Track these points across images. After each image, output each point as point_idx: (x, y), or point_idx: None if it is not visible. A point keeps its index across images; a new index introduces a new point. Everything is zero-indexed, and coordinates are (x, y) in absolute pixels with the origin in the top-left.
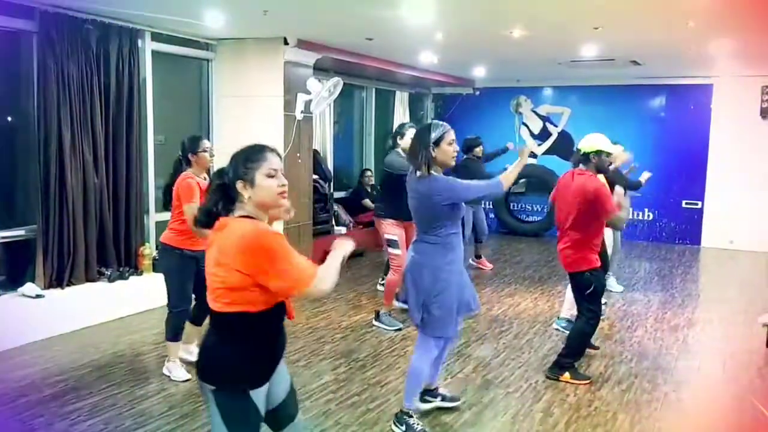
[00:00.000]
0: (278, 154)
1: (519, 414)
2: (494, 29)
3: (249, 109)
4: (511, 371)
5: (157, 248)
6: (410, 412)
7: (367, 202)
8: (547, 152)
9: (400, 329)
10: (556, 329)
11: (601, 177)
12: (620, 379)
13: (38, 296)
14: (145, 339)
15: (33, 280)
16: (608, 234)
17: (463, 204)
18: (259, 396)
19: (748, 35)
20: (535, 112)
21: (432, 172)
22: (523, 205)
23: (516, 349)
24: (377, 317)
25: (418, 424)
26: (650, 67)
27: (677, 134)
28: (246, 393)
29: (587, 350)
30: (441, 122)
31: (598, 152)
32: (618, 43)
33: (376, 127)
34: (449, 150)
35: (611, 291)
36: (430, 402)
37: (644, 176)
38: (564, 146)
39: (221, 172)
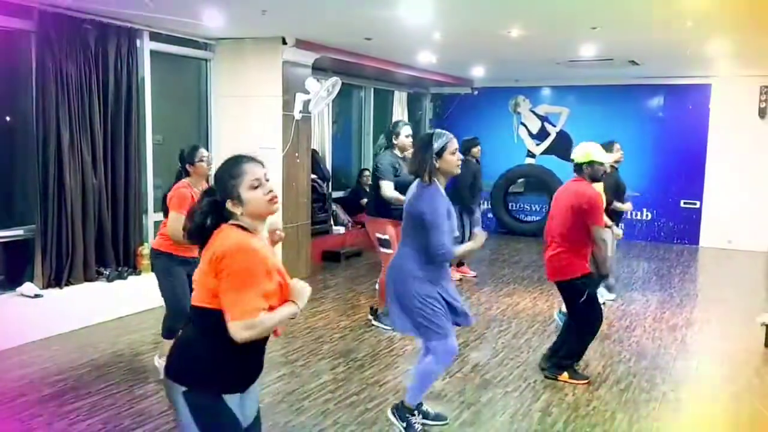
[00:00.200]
0: (258, 161)
1: (518, 413)
2: (492, 29)
3: (247, 109)
4: (510, 371)
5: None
6: (413, 409)
7: (366, 201)
8: (546, 152)
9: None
10: (558, 324)
11: (598, 186)
12: (619, 378)
13: (37, 296)
14: (143, 339)
15: (31, 280)
16: (607, 235)
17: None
18: (233, 403)
19: (747, 35)
20: (533, 112)
21: (435, 180)
22: (522, 205)
23: (514, 349)
24: (376, 317)
25: (419, 424)
26: (648, 67)
27: (676, 134)
28: (220, 396)
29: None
30: (443, 131)
31: (591, 162)
32: (616, 43)
33: (374, 126)
34: (452, 159)
35: (601, 298)
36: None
37: (626, 207)
38: (562, 146)
39: (212, 190)
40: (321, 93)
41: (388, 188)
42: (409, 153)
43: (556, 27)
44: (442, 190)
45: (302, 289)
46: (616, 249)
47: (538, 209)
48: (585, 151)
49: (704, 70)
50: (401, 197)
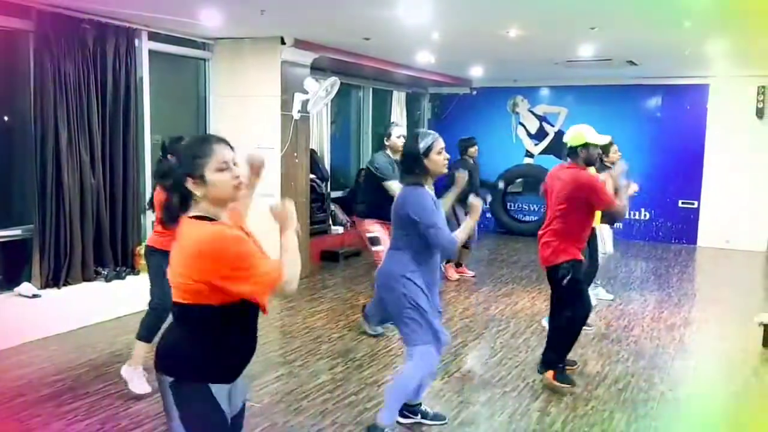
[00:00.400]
0: (228, 144)
1: (516, 413)
2: (491, 29)
3: (246, 109)
4: (508, 370)
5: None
6: (386, 430)
7: (357, 203)
8: (544, 152)
9: (380, 335)
10: (545, 327)
11: (591, 170)
12: (617, 378)
13: (35, 296)
14: None
15: (29, 280)
16: (605, 232)
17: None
18: (221, 394)
19: (744, 36)
20: (531, 112)
21: (419, 181)
22: (520, 205)
23: (513, 349)
24: (365, 317)
25: None
26: (647, 67)
27: (673, 134)
28: (207, 387)
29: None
30: (429, 131)
31: (585, 145)
32: (614, 43)
33: (373, 126)
34: (439, 159)
35: (600, 299)
36: (410, 418)
37: (631, 189)
38: (560, 146)
39: (165, 172)
40: (319, 93)
41: (396, 186)
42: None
43: (555, 27)
44: (429, 190)
45: (287, 212)
46: (614, 249)
47: (536, 209)
48: (578, 132)
49: (702, 70)
50: None
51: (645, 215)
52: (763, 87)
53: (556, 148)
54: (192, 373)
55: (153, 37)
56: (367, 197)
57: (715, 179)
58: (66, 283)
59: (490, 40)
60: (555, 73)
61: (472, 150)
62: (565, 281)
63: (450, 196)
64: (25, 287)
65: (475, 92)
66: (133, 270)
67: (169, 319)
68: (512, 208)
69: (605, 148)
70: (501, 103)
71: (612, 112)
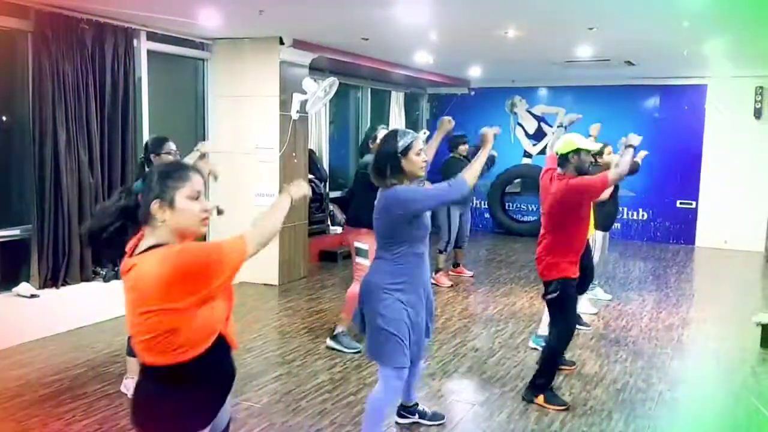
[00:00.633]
0: (203, 176)
1: (514, 413)
2: (489, 29)
3: (245, 109)
4: (507, 370)
5: None
6: None
7: (348, 210)
8: (542, 152)
9: (359, 352)
10: (533, 348)
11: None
12: (615, 378)
13: (33, 296)
14: None
15: (28, 280)
16: (598, 238)
17: (426, 223)
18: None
19: (742, 36)
20: (530, 113)
21: (395, 182)
22: (519, 205)
23: (511, 348)
24: (334, 338)
25: None
26: (645, 67)
27: (672, 134)
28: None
29: (563, 367)
30: (408, 130)
31: (577, 151)
32: (613, 44)
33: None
34: (417, 160)
35: (599, 299)
36: (408, 418)
37: (640, 155)
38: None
39: (129, 189)
40: (318, 93)
41: None
42: None
43: (553, 27)
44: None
45: (298, 184)
46: (610, 249)
47: (534, 209)
48: (568, 139)
49: (700, 70)
50: None
51: (643, 215)
52: (761, 87)
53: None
54: (174, 428)
55: (151, 37)
56: (361, 205)
57: (714, 179)
58: (64, 283)
59: (488, 40)
60: (553, 74)
61: (462, 148)
62: (549, 297)
63: (478, 161)
64: (24, 287)
65: (473, 92)
66: None
67: None
68: (510, 208)
69: (598, 151)
70: (499, 103)
71: (610, 113)
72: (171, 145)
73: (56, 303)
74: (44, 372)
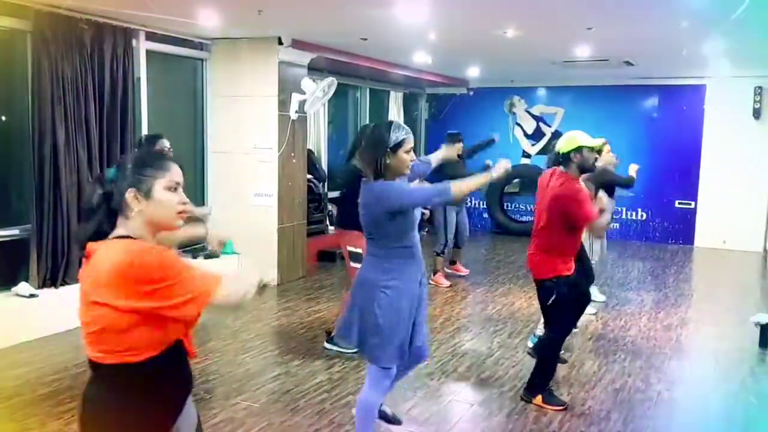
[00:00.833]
0: (182, 167)
1: (513, 413)
2: (488, 29)
3: (243, 109)
4: (505, 370)
5: None
6: None
7: (337, 212)
8: (541, 152)
9: (357, 351)
10: (529, 353)
11: (585, 178)
12: (614, 378)
13: (32, 296)
14: None
15: (27, 280)
16: (595, 241)
17: (411, 218)
18: None
19: (741, 36)
20: (528, 113)
21: (378, 176)
22: (517, 205)
23: (510, 348)
24: (330, 340)
25: None
26: (643, 67)
27: (670, 135)
28: None
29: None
30: (403, 125)
31: (579, 148)
32: (611, 44)
33: None
34: (406, 158)
35: (594, 301)
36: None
37: (633, 169)
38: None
39: (102, 179)
40: (317, 93)
41: None
42: None
43: (552, 28)
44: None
45: (249, 270)
46: (608, 250)
47: (533, 209)
48: (569, 136)
49: (699, 70)
50: None
51: (642, 215)
52: (760, 87)
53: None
54: None
55: (150, 37)
56: (353, 207)
57: (712, 180)
58: (63, 283)
59: (487, 40)
60: (552, 74)
61: (458, 146)
62: (549, 301)
63: (476, 182)
64: (23, 287)
65: (472, 92)
66: None
67: None
68: (509, 208)
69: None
70: (498, 103)
71: (609, 113)
72: (165, 142)
73: (55, 303)
74: (43, 371)
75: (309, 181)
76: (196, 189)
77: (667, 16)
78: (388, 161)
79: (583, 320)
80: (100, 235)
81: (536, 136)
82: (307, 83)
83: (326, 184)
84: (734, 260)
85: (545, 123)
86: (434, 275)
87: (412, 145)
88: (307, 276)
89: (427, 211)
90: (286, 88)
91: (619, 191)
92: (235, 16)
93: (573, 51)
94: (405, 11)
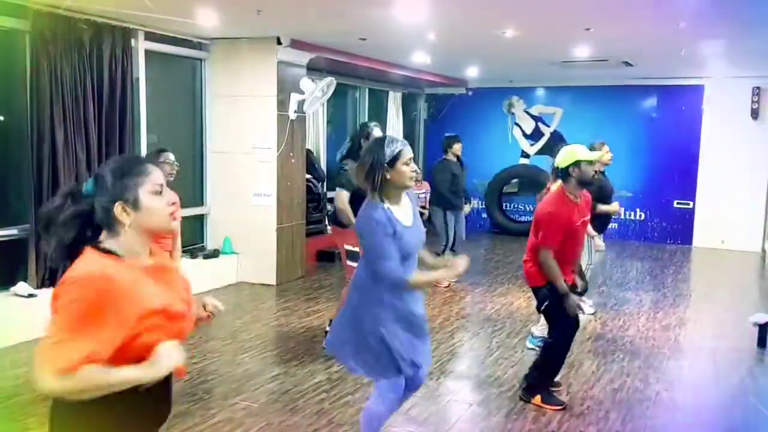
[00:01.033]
0: (158, 168)
1: (512, 413)
2: (487, 29)
3: (242, 109)
4: (504, 370)
5: None
6: None
7: (333, 211)
8: (540, 152)
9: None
10: (530, 348)
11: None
12: (612, 378)
13: (31, 295)
14: None
15: (25, 280)
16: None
17: (406, 242)
18: None
19: (739, 36)
20: (527, 113)
21: (378, 197)
22: (516, 205)
23: (509, 348)
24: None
25: None
26: (642, 68)
27: (669, 135)
28: None
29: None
30: (397, 138)
31: (577, 163)
32: (610, 44)
33: None
34: (406, 171)
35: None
36: None
37: (613, 207)
38: (556, 146)
39: (76, 194)
40: (316, 93)
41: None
42: None
43: (551, 28)
44: (392, 206)
45: (166, 351)
46: (606, 250)
47: (532, 209)
48: (568, 150)
49: (697, 71)
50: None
51: (640, 215)
52: (758, 88)
53: (552, 148)
54: None
55: (149, 37)
56: (351, 204)
57: (711, 180)
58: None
59: (486, 40)
60: (551, 74)
61: (456, 147)
62: (543, 307)
63: (428, 278)
64: (21, 287)
65: (471, 92)
66: None
67: None
68: (508, 208)
69: (596, 146)
70: (497, 103)
71: (607, 113)
72: (170, 156)
73: None
74: None
75: (308, 181)
76: (195, 189)
77: (666, 16)
78: (388, 176)
79: (582, 320)
80: (83, 242)
81: (535, 136)
82: (306, 83)
83: (325, 183)
84: (732, 260)
85: (544, 123)
86: None
87: (411, 155)
88: (306, 276)
89: (426, 211)
90: (285, 88)
91: (619, 191)
92: (234, 16)
93: (572, 51)
94: (404, 11)
